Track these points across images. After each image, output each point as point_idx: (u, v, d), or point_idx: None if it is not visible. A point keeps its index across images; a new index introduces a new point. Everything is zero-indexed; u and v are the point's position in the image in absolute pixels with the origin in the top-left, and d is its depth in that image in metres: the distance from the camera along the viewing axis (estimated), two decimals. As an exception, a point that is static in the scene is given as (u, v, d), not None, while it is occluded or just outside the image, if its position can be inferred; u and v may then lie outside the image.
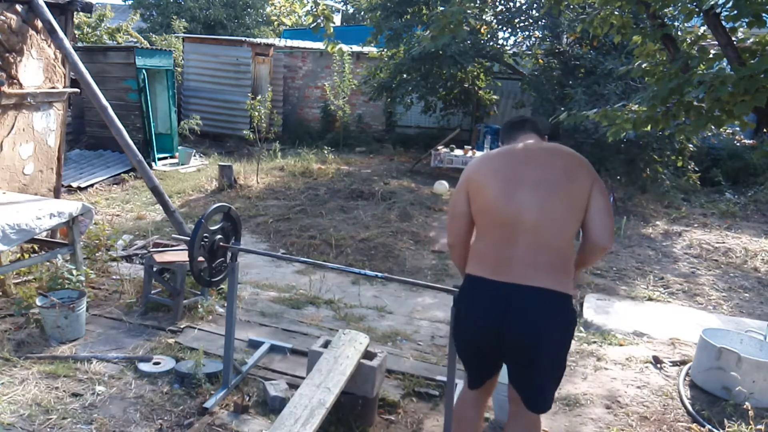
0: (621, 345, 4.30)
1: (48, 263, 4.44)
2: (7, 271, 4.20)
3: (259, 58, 13.24)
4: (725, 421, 3.17)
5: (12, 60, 4.63)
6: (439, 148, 10.62)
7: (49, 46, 4.97)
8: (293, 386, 3.15)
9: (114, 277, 4.87)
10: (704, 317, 5.06)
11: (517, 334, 2.15)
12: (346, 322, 4.49)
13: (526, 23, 10.29)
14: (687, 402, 3.45)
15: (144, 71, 10.21)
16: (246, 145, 11.78)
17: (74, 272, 4.09)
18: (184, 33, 15.82)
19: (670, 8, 3.37)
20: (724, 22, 2.94)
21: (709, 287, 5.94)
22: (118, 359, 3.54)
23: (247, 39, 14.36)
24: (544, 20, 9.88)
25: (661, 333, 4.59)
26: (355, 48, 12.49)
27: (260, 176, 9.34)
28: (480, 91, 12.11)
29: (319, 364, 2.83)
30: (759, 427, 3.01)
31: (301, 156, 10.93)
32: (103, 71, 10.05)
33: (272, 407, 3.10)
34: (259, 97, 10.35)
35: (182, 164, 10.82)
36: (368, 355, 3.07)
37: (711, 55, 3.13)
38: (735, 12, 2.64)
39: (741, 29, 3.11)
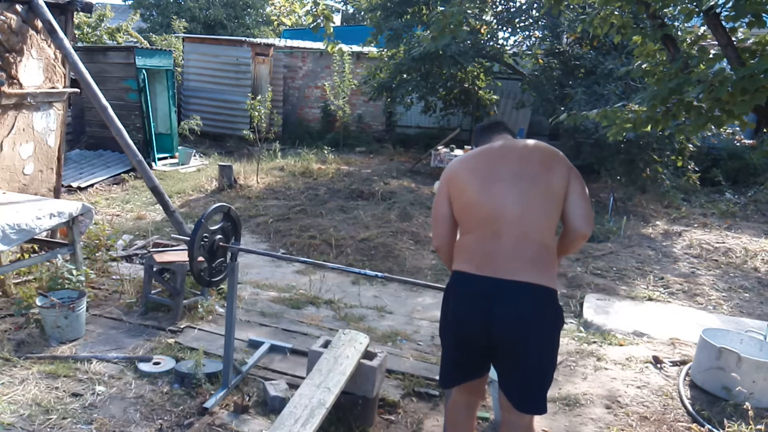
0: (621, 345, 4.30)
1: (48, 263, 4.43)
2: (7, 271, 4.20)
3: (259, 58, 13.25)
4: (725, 421, 3.17)
5: (12, 60, 4.63)
6: (439, 148, 10.63)
7: (49, 46, 4.97)
8: (293, 386, 3.15)
9: (114, 277, 4.87)
10: (704, 317, 5.06)
11: (505, 330, 2.15)
12: (346, 322, 4.49)
13: (526, 23, 10.29)
14: (687, 402, 3.45)
15: (144, 71, 10.22)
16: (246, 145, 11.78)
17: (74, 272, 4.09)
18: (184, 33, 15.82)
19: (670, 8, 3.38)
20: (724, 22, 2.95)
21: (709, 287, 5.93)
22: (118, 359, 3.54)
23: (247, 39, 14.36)
24: (544, 20, 9.88)
25: (661, 333, 4.59)
26: (355, 48, 12.49)
27: (260, 176, 9.34)
28: (480, 91, 12.10)
29: (319, 364, 2.83)
30: (759, 427, 3.01)
31: (301, 156, 10.94)
32: (103, 71, 10.05)
33: (272, 407, 3.11)
34: (259, 97, 10.36)
35: (182, 164, 10.83)
36: (368, 355, 3.07)
37: (711, 55, 3.14)
38: (735, 12, 2.64)
39: (741, 29, 3.12)
